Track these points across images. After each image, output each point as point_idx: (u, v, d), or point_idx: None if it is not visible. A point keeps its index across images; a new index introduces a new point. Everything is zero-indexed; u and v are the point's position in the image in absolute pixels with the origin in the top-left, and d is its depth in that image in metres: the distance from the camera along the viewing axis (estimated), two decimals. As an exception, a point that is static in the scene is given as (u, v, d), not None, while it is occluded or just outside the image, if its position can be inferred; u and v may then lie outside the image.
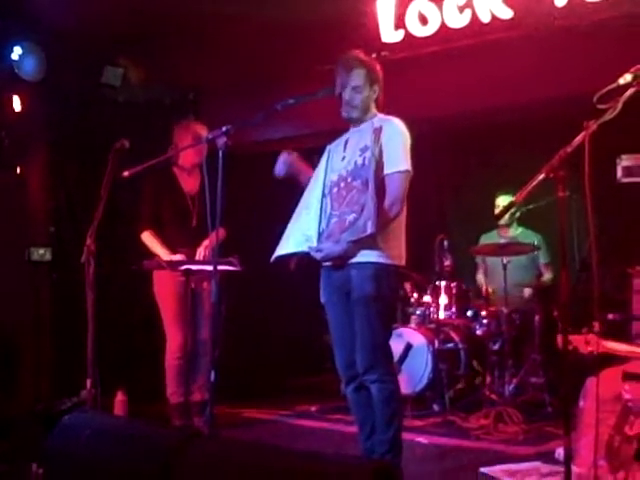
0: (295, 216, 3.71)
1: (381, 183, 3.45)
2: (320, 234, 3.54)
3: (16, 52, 5.38)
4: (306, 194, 3.72)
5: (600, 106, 2.50)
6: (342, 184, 3.54)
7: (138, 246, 5.07)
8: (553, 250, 5.94)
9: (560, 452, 3.87)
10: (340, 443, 4.70)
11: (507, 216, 5.62)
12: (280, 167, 3.79)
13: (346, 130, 3.73)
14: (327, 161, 3.69)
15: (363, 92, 3.62)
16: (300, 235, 3.60)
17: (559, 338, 2.71)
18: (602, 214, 3.23)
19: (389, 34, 5.34)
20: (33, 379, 5.55)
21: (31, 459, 4.00)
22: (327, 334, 3.80)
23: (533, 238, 5.89)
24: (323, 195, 3.60)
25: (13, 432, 4.52)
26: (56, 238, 5.85)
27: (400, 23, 5.28)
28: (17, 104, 5.58)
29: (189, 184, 5.16)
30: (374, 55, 4.30)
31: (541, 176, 2.58)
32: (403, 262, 3.64)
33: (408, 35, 5.27)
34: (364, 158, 3.48)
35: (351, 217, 3.44)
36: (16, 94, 5.58)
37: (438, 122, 5.79)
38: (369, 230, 3.33)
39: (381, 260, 3.49)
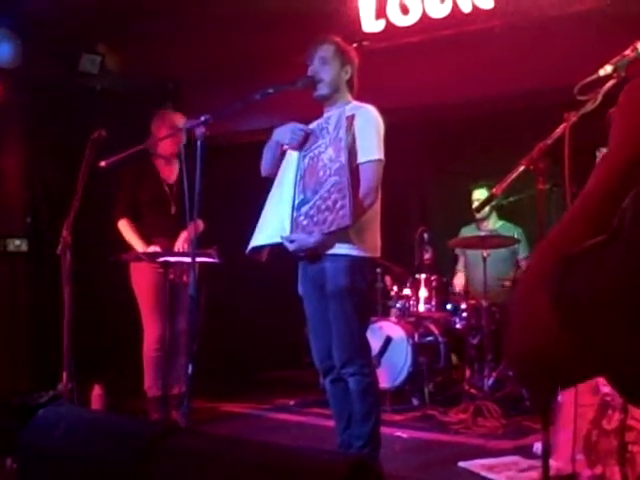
0: (267, 205, 3.66)
1: (354, 172, 3.39)
2: (293, 222, 3.49)
3: (-9, 39, 5.30)
4: (276, 183, 3.66)
5: (580, 97, 2.48)
6: (315, 172, 3.47)
7: (116, 237, 5.01)
8: (532, 244, 5.93)
9: (538, 446, 3.88)
10: (318, 437, 4.67)
11: (486, 209, 5.61)
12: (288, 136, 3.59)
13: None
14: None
15: (331, 66, 3.55)
16: (274, 225, 3.55)
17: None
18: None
19: (370, 24, 5.29)
20: (9, 372, 5.49)
21: (6, 453, 3.95)
22: (306, 327, 3.77)
23: (513, 231, 5.87)
24: (296, 183, 3.54)
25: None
26: (33, 229, 5.77)
27: (381, 13, 5.24)
28: (-8, 92, 5.50)
29: (168, 173, 5.11)
30: (355, 45, 4.26)
31: (521, 168, 2.56)
32: (378, 253, 3.61)
33: (389, 25, 5.23)
34: (337, 148, 3.40)
35: (324, 206, 3.37)
36: (-9, 82, 5.49)
37: (419, 112, 5.76)
38: (346, 222, 3.27)
39: (354, 252, 3.45)
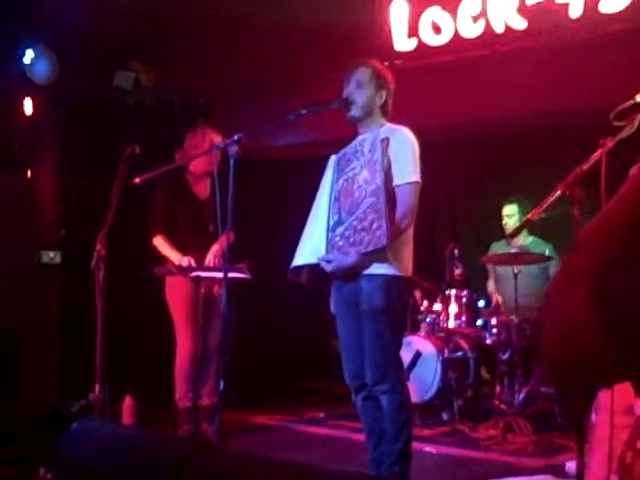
0: (306, 227, 3.68)
1: (391, 194, 3.40)
2: (328, 242, 3.51)
3: (28, 56, 5.38)
4: (315, 205, 3.68)
5: (617, 123, 2.47)
6: (350, 193, 3.48)
7: (148, 252, 5.07)
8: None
9: (570, 466, 3.86)
10: (349, 451, 4.68)
11: (516, 224, 5.58)
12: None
13: (355, 137, 3.68)
14: (334, 169, 3.63)
15: (366, 89, 3.56)
16: (310, 247, 3.57)
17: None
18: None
19: (402, 42, 5.31)
20: (41, 382, 5.56)
21: (39, 463, 4.01)
22: (336, 340, 3.78)
23: (544, 247, 5.84)
24: (330, 204, 3.56)
25: (21, 435, 4.52)
26: (66, 241, 5.85)
27: (413, 32, 5.25)
28: (28, 107, 5.58)
29: (200, 189, 5.16)
30: (386, 63, 4.28)
31: (557, 193, 2.56)
32: (410, 272, 3.61)
33: (421, 44, 5.24)
34: (372, 170, 3.41)
35: (360, 227, 3.39)
36: (27, 97, 5.58)
37: (450, 131, 5.75)
38: (383, 242, 3.27)
39: (390, 272, 3.45)
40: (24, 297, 5.47)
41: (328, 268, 3.47)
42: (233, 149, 3.39)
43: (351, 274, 3.50)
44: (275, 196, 6.78)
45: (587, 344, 0.90)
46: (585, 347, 0.90)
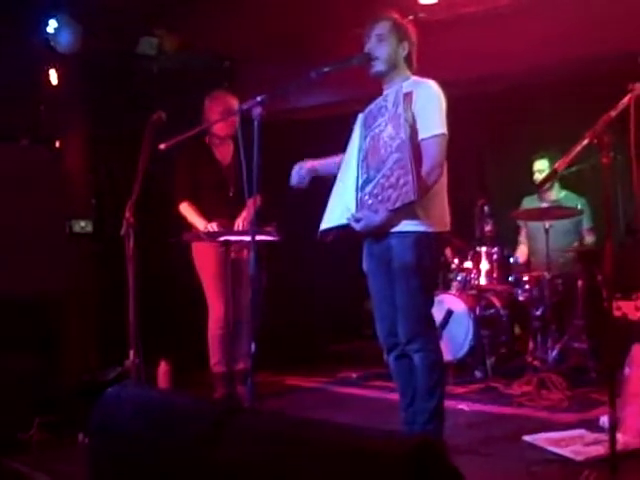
0: (334, 189, 3.65)
1: (417, 149, 3.33)
2: (358, 201, 3.47)
3: (51, 25, 5.38)
4: (343, 165, 3.65)
5: (646, 67, 2.42)
6: (377, 150, 3.43)
7: (177, 218, 5.09)
8: (596, 214, 5.82)
9: (604, 420, 3.83)
10: (382, 411, 4.70)
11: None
12: (296, 179, 3.79)
13: (379, 95, 3.62)
14: (361, 127, 3.59)
15: (387, 43, 3.51)
16: (341, 207, 3.54)
17: (607, 305, 2.65)
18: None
19: (426, -5, 5.22)
20: (79, 350, 5.63)
21: (78, 428, 4.09)
22: (368, 300, 3.77)
23: (576, 202, 5.76)
24: (359, 163, 3.51)
25: (60, 402, 4.60)
26: (97, 210, 5.89)
27: (437, -17, 5.16)
28: (54, 78, 5.60)
29: (222, 154, 5.16)
30: (411, 17, 4.20)
31: (585, 142, 2.51)
32: (447, 227, 3.56)
33: (445, -5, 5.15)
34: (396, 125, 3.34)
35: (388, 184, 3.33)
36: (52, 68, 5.59)
37: (477, 84, 5.67)
38: (411, 197, 3.21)
39: (422, 228, 3.41)
40: (58, 267, 5.51)
41: (357, 227, 3.43)
42: (257, 111, 3.35)
43: (381, 232, 3.47)
44: (302, 157, 6.74)
45: None
46: None
